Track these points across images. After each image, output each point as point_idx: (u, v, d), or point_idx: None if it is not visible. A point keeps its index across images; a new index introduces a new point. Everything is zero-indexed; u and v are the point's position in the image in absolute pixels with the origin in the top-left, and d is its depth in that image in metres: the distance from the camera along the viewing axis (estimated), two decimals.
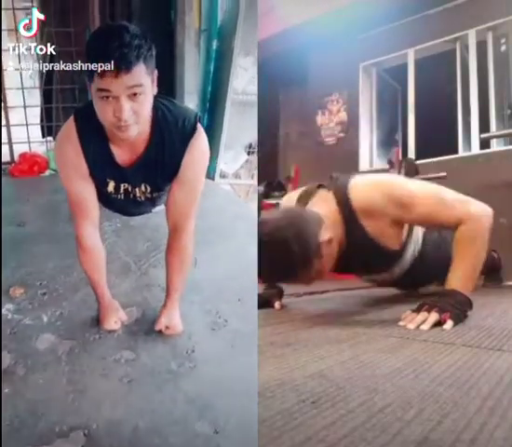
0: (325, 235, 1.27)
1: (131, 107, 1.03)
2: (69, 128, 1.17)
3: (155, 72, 1.07)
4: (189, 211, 1.26)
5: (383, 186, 1.38)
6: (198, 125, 1.18)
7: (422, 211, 1.34)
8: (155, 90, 1.09)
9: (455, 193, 1.38)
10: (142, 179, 1.25)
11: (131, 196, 1.28)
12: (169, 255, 1.29)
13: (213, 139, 2.58)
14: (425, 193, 1.37)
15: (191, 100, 2.63)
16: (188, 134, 1.17)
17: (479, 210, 1.33)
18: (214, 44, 2.61)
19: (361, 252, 1.40)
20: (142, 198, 1.30)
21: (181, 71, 2.59)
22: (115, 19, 2.61)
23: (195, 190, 1.24)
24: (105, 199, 1.32)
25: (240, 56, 2.50)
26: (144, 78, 1.02)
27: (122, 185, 1.26)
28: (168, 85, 2.58)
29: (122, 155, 1.19)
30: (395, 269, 1.64)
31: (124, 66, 0.97)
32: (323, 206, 1.39)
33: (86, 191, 1.22)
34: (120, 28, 0.99)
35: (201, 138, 1.19)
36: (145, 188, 1.27)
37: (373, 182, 1.42)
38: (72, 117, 1.18)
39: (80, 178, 1.19)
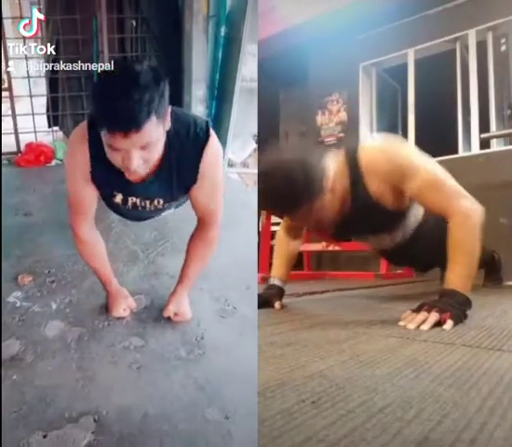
0: (329, 179, 1.34)
1: (141, 156, 1.00)
2: (82, 132, 1.13)
3: (169, 108, 1.01)
4: (215, 209, 1.27)
5: (390, 152, 1.41)
6: (211, 131, 1.15)
7: (415, 186, 1.35)
8: (169, 125, 1.04)
9: (456, 184, 1.37)
10: (155, 194, 1.22)
11: (140, 208, 1.27)
12: (193, 244, 1.29)
13: (221, 127, 2.55)
14: (427, 170, 1.37)
15: (199, 87, 2.59)
16: (202, 142, 1.14)
17: (469, 205, 1.31)
18: (222, 30, 2.56)
19: (363, 211, 1.44)
20: (152, 209, 1.28)
21: (188, 58, 2.55)
22: (123, 5, 2.56)
23: (217, 191, 1.25)
24: (112, 208, 1.32)
25: (248, 42, 2.46)
26: (155, 132, 0.97)
27: (130, 199, 1.24)
28: (175, 72, 2.55)
29: (134, 173, 1.14)
30: (397, 233, 1.68)
31: (134, 126, 0.92)
32: (333, 159, 1.43)
33: (86, 194, 1.21)
34: (129, 81, 0.91)
35: (215, 144, 1.17)
36: (158, 202, 1.25)
37: (383, 147, 1.45)
38: (86, 122, 1.13)
39: (83, 181, 1.18)
